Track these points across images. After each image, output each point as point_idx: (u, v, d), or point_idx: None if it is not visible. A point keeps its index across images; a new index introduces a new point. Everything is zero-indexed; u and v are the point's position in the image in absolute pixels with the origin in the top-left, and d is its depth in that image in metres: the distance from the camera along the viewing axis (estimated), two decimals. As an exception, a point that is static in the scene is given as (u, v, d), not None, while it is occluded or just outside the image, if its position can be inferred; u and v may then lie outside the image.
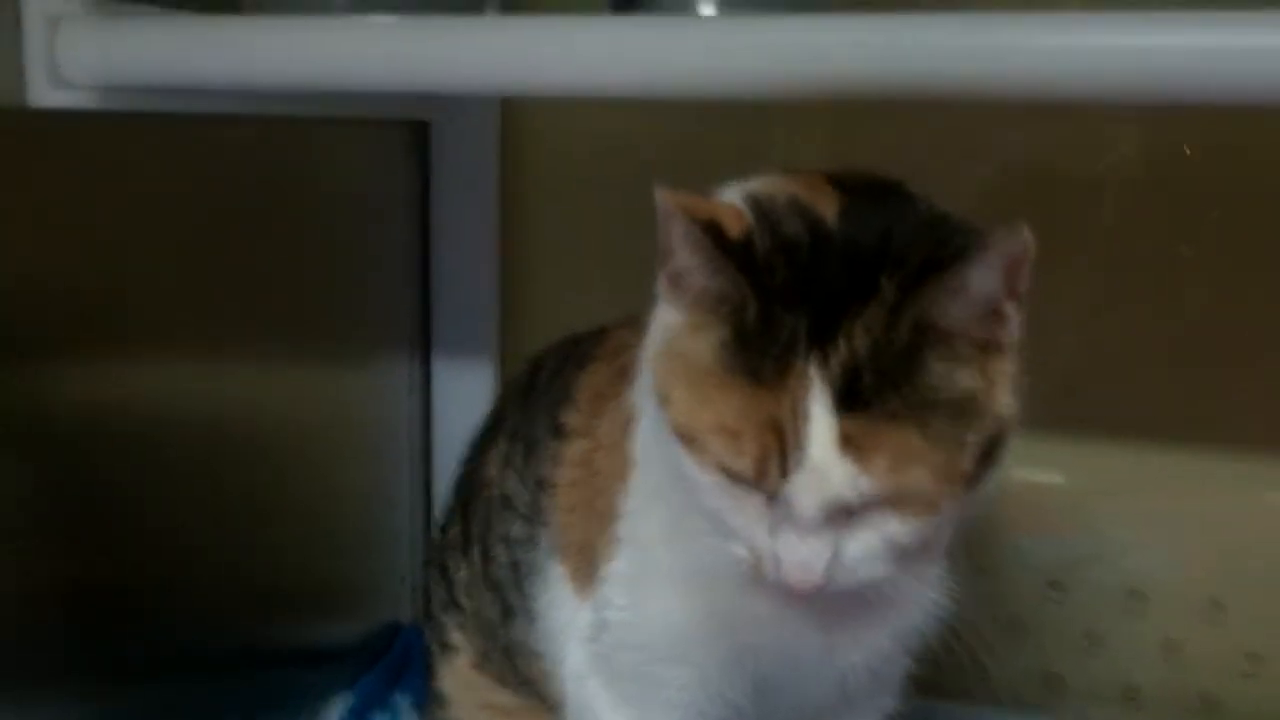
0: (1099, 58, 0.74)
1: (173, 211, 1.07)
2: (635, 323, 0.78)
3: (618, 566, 0.78)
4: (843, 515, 0.63)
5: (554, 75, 0.86)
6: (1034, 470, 1.26)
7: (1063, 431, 1.24)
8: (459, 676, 0.95)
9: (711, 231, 0.64)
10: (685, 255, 0.66)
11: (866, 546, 0.65)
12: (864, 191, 0.70)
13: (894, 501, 0.63)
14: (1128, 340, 1.23)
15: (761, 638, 0.75)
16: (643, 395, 0.77)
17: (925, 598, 0.77)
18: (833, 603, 0.71)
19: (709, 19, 0.90)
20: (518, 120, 1.38)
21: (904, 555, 0.65)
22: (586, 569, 0.81)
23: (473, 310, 1.42)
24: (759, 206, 0.68)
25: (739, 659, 0.76)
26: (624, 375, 0.80)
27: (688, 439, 0.66)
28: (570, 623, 0.83)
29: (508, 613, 0.89)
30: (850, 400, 0.62)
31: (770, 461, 0.63)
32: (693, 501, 0.68)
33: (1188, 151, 1.16)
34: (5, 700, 0.95)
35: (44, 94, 0.93)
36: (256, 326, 1.20)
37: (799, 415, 0.62)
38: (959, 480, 0.64)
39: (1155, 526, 1.25)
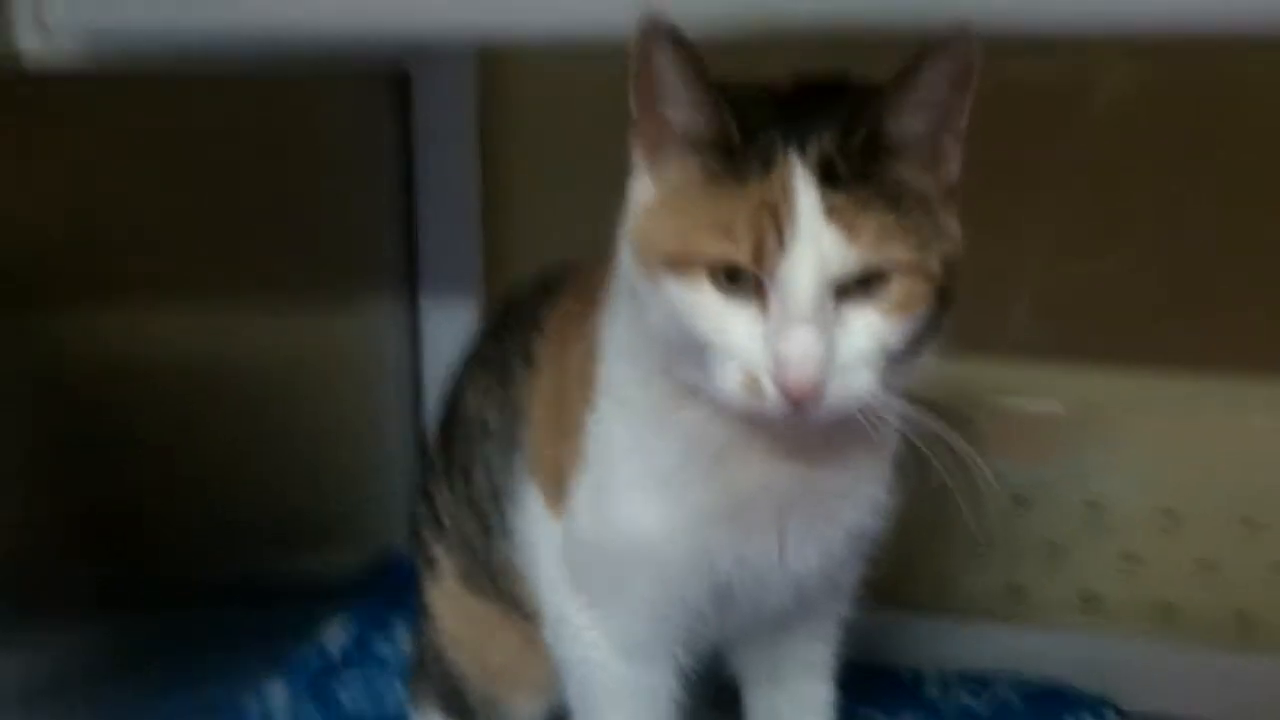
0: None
1: (168, 165, 1.11)
2: (597, 261, 0.83)
3: (584, 480, 0.83)
4: (832, 310, 0.68)
5: (523, 23, 0.90)
6: (1005, 396, 1.31)
7: (1035, 356, 1.30)
8: (444, 591, 0.99)
9: (698, 61, 0.69)
10: (673, 87, 0.70)
11: (856, 346, 0.69)
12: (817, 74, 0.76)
13: (880, 293, 0.69)
14: (1094, 271, 1.27)
15: (718, 541, 0.80)
16: (609, 314, 0.83)
17: (873, 497, 0.83)
18: (795, 481, 0.77)
19: None
20: (494, 68, 1.42)
21: (886, 362, 0.70)
22: (556, 486, 0.86)
23: (457, 251, 1.46)
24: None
25: (697, 563, 0.80)
26: (590, 306, 0.85)
27: (680, 262, 0.70)
28: (543, 537, 0.88)
29: (487, 531, 0.94)
30: (830, 181, 0.68)
31: (767, 240, 0.68)
32: (681, 349, 0.72)
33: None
34: (21, 625, 0.99)
35: (28, 39, 0.94)
36: (252, 274, 1.24)
37: (788, 193, 0.68)
38: (930, 281, 0.70)
39: (1116, 445, 1.29)
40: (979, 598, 1.34)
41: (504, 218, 1.46)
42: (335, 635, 1.33)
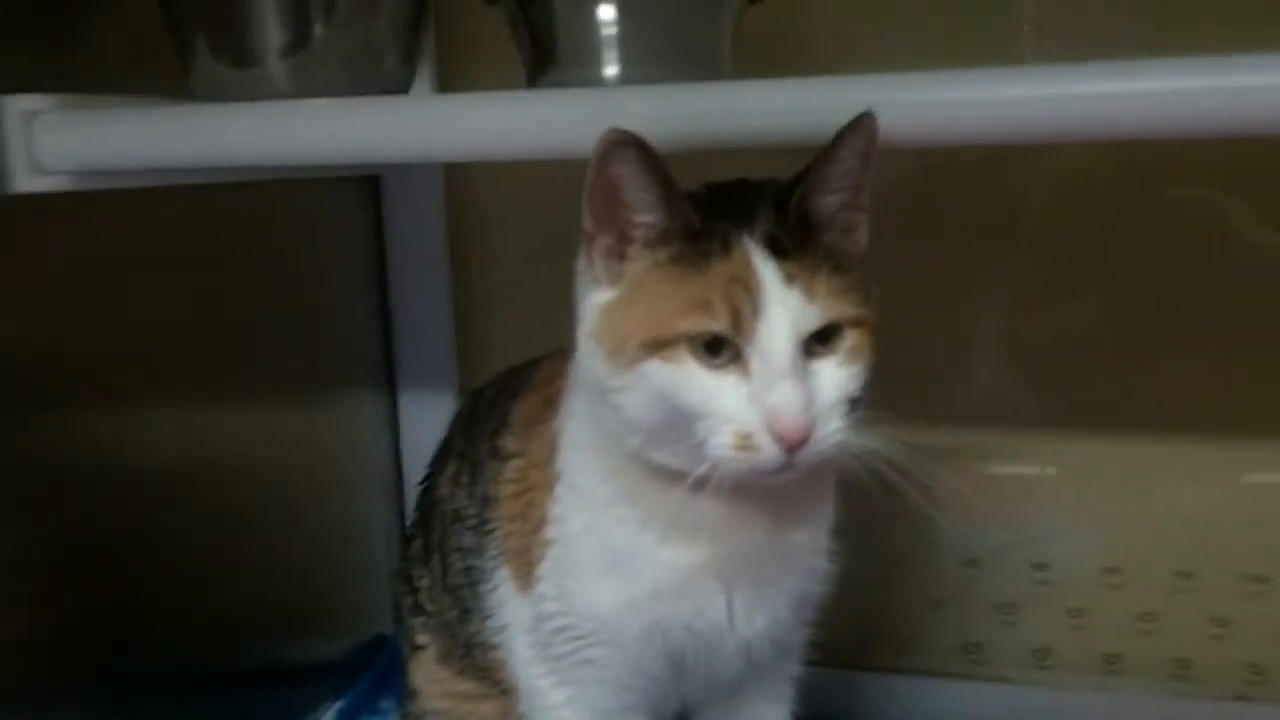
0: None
1: (151, 274, 1.17)
2: (560, 354, 0.91)
3: (548, 565, 0.90)
4: (803, 366, 0.77)
5: (472, 145, 0.97)
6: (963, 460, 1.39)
7: (991, 423, 1.38)
8: (427, 671, 1.06)
9: (661, 164, 0.79)
10: (638, 192, 0.79)
11: (826, 394, 0.78)
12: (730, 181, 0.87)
13: (836, 345, 0.79)
14: (1047, 339, 1.35)
15: (669, 614, 0.87)
16: (567, 412, 0.91)
17: (813, 565, 0.91)
18: (739, 559, 0.85)
19: (609, 90, 1.01)
20: (462, 171, 1.49)
21: (849, 411, 0.79)
22: (525, 570, 0.93)
23: (432, 348, 1.53)
24: None
25: (651, 635, 0.88)
26: (550, 403, 0.94)
27: (660, 343, 0.78)
28: (515, 617, 0.95)
29: (464, 613, 1.00)
30: (780, 254, 0.78)
31: (742, 309, 0.76)
32: (666, 427, 0.79)
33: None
34: (14, 715, 1.03)
35: (24, 180, 1.00)
36: (235, 374, 1.30)
37: (749, 268, 0.77)
38: (872, 333, 0.80)
39: (1062, 508, 1.37)
40: (936, 655, 1.41)
41: (475, 314, 1.53)
42: (327, 717, 1.39)
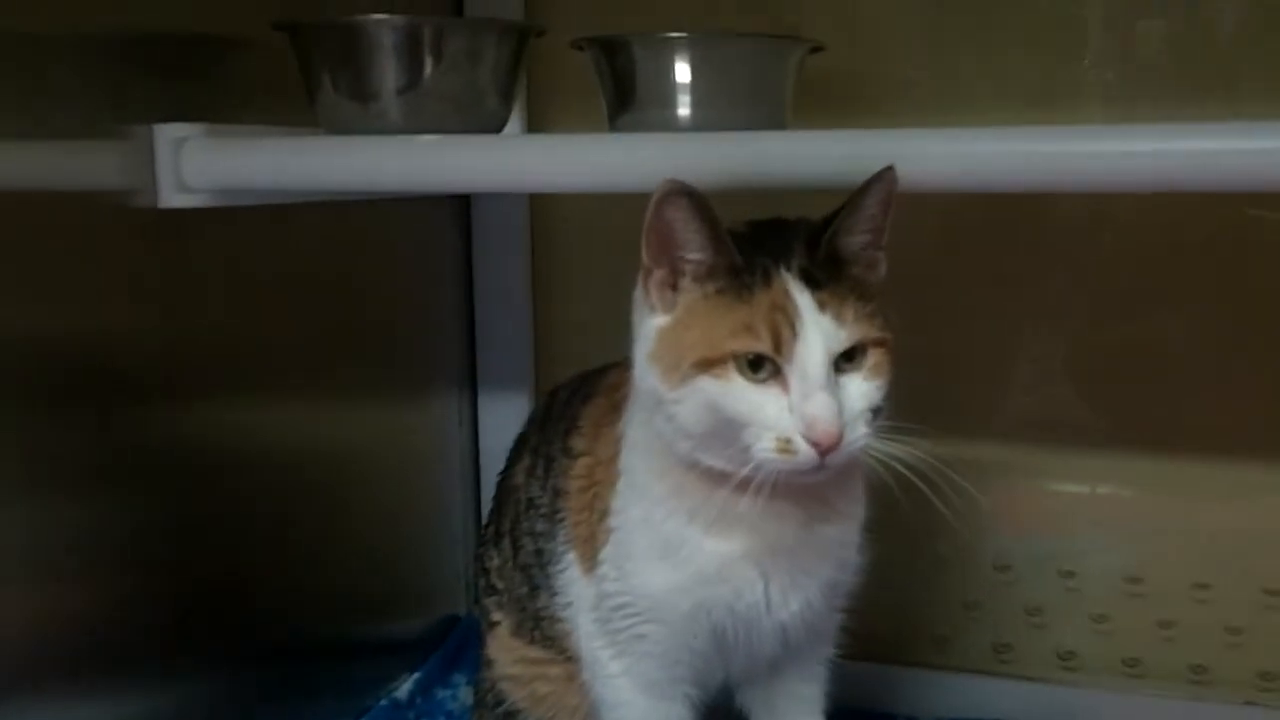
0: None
1: (269, 284, 1.29)
2: (627, 364, 1.02)
3: (609, 550, 1.02)
4: (834, 381, 0.89)
5: (559, 180, 1.12)
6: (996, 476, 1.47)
7: (1021, 439, 1.47)
8: (501, 643, 1.17)
9: (710, 208, 0.91)
10: (690, 233, 0.91)
11: (854, 405, 0.89)
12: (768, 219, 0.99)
13: (861, 363, 0.90)
14: (1075, 360, 1.44)
15: (712, 597, 0.98)
16: (629, 417, 1.03)
17: (844, 557, 1.02)
18: (782, 541, 0.97)
19: (681, 135, 1.13)
20: (544, 197, 1.60)
21: (872, 419, 0.90)
22: (590, 554, 1.05)
23: (511, 354, 1.64)
24: None
25: (695, 614, 0.99)
26: (617, 408, 1.06)
27: (710, 362, 0.89)
28: (580, 596, 1.06)
29: (533, 589, 1.12)
30: (813, 285, 0.90)
31: (782, 332, 0.88)
32: (715, 434, 0.91)
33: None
34: (124, 687, 1.14)
35: (172, 197, 1.13)
36: (335, 375, 1.41)
37: (787, 297, 0.89)
38: (892, 353, 0.92)
39: (1088, 519, 1.46)
40: (969, 655, 1.51)
41: (551, 323, 1.64)
42: (405, 687, 1.51)
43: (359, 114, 1.15)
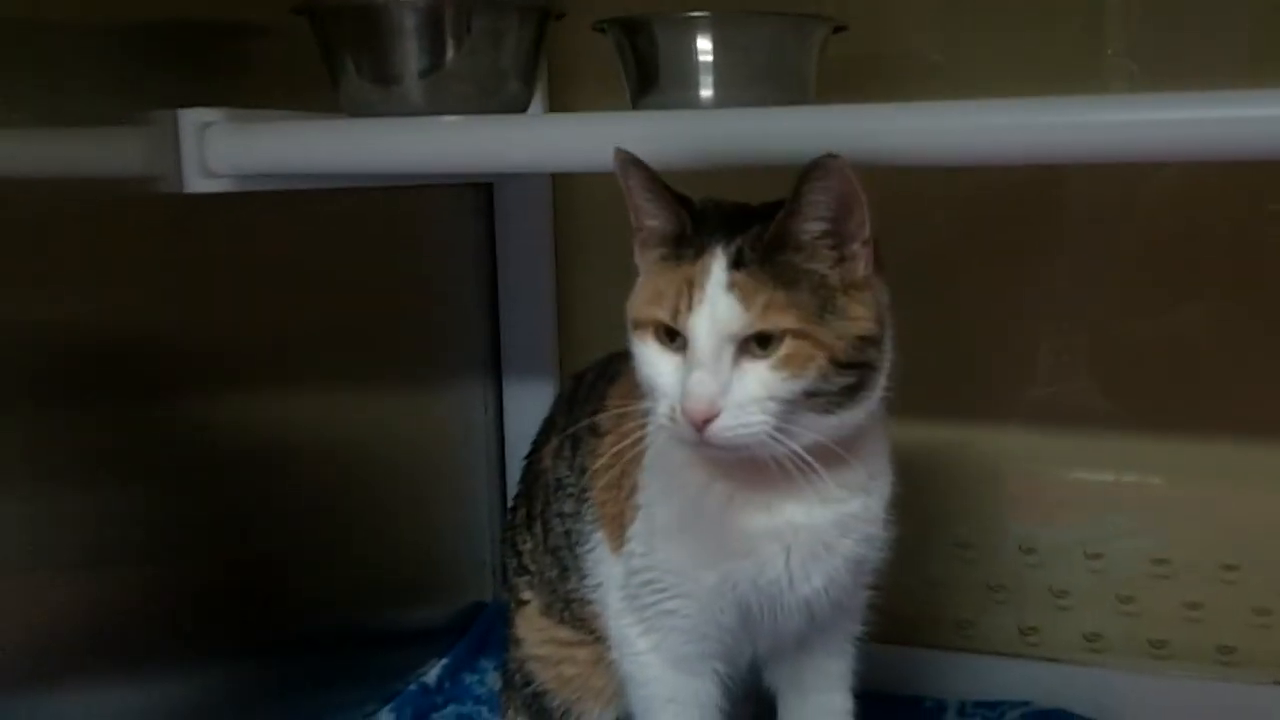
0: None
1: (295, 270, 1.30)
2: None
3: (637, 527, 1.03)
4: (731, 361, 0.88)
5: (582, 159, 1.10)
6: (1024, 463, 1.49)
7: (1051, 426, 1.47)
8: (529, 622, 1.18)
9: (656, 178, 0.94)
10: (643, 200, 0.94)
11: (747, 390, 0.88)
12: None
13: (772, 351, 0.88)
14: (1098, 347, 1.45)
15: (736, 572, 0.98)
16: None
17: (868, 533, 1.01)
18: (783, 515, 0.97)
19: (702, 112, 1.14)
20: (567, 181, 1.61)
21: (779, 412, 0.88)
22: (618, 531, 1.05)
23: (536, 340, 1.64)
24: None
25: (720, 589, 0.99)
26: (638, 391, 1.06)
27: (638, 324, 0.93)
28: (609, 575, 1.07)
29: (563, 571, 1.13)
30: (738, 265, 0.90)
31: (681, 302, 0.89)
32: (647, 394, 0.93)
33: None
34: (154, 674, 1.16)
35: (196, 182, 1.14)
36: (361, 359, 1.43)
37: (704, 272, 0.90)
38: (821, 349, 0.89)
39: (1115, 503, 1.46)
40: (994, 637, 1.51)
41: (575, 308, 1.65)
42: (433, 672, 1.52)
43: (382, 97, 1.15)
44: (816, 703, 1.12)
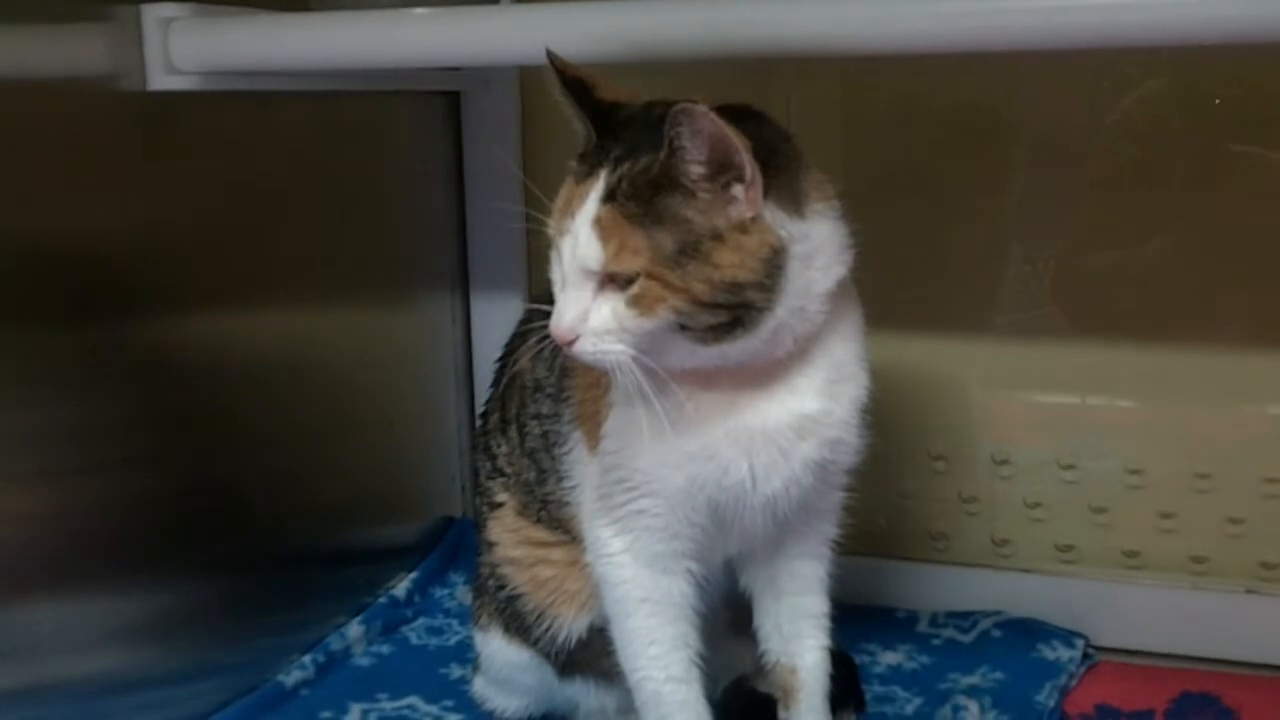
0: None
1: (258, 177, 1.27)
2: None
3: (611, 423, 1.02)
4: (594, 289, 0.90)
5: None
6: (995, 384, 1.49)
7: (1025, 342, 1.47)
8: (504, 524, 1.16)
9: (576, 85, 0.93)
10: (564, 103, 0.96)
11: (602, 319, 0.90)
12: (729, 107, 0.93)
13: (626, 290, 0.89)
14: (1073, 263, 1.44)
15: (702, 472, 0.98)
16: None
17: (834, 437, 1.00)
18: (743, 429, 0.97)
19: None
20: (535, 86, 1.57)
21: (638, 343, 0.90)
22: (594, 430, 1.04)
23: (503, 252, 1.62)
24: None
25: (689, 489, 0.99)
26: None
27: (552, 234, 0.94)
28: (585, 475, 1.06)
29: (541, 473, 1.12)
30: (608, 199, 0.89)
31: (562, 222, 0.92)
32: None
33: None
34: (126, 586, 1.15)
35: (159, 79, 1.12)
36: (323, 273, 1.41)
37: (581, 200, 0.91)
38: (677, 293, 0.88)
39: (1089, 417, 1.46)
40: (968, 549, 1.51)
41: (544, 220, 1.61)
42: (402, 586, 1.51)
43: (351, -7, 1.12)
44: (792, 605, 1.12)
